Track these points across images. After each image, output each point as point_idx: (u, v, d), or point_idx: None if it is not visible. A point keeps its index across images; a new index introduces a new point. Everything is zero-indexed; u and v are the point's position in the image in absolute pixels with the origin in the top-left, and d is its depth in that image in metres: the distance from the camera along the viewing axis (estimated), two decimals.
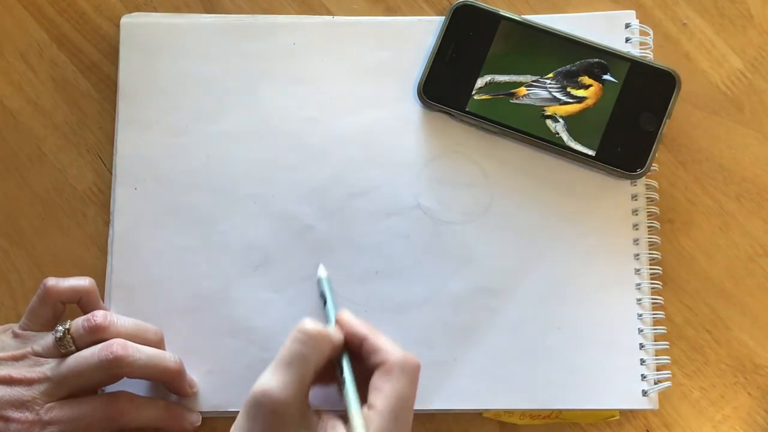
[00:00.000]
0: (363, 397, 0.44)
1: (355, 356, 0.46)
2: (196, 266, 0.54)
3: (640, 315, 0.53)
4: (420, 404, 0.48)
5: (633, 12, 0.56)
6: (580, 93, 0.54)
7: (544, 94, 0.54)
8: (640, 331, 0.53)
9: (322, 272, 0.52)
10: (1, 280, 0.55)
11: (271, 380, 0.43)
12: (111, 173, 0.55)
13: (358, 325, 0.46)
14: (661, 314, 0.53)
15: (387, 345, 0.45)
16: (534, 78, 0.54)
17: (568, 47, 0.54)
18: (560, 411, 0.52)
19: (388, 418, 0.42)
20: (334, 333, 0.46)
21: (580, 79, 0.54)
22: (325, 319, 0.49)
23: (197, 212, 0.54)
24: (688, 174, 0.55)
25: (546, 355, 0.52)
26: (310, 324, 0.45)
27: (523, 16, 0.55)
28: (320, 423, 0.44)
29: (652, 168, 0.53)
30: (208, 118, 0.55)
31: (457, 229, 0.54)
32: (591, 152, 0.53)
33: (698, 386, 0.53)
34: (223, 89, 0.55)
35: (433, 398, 0.52)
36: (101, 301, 0.53)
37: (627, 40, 0.55)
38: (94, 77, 0.57)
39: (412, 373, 0.44)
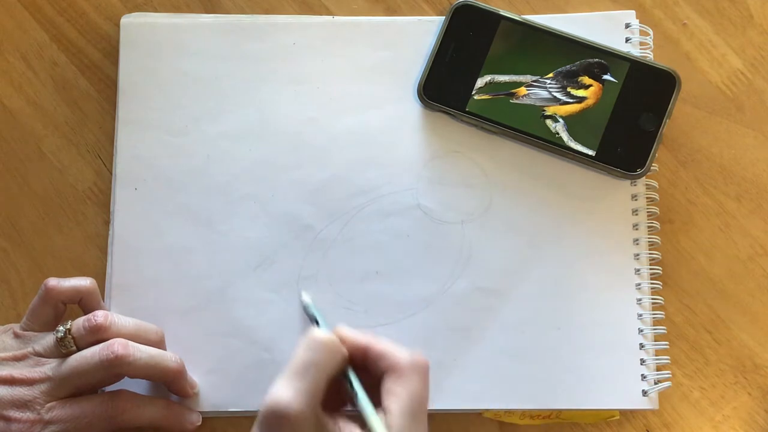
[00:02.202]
0: (376, 405, 0.44)
1: (360, 368, 0.46)
2: (196, 266, 0.54)
3: (640, 315, 0.53)
4: None
5: (633, 12, 0.56)
6: (580, 93, 0.54)
7: (544, 94, 0.54)
8: (640, 331, 0.53)
9: (306, 298, 0.52)
10: (1, 280, 0.55)
11: (285, 390, 0.42)
12: (111, 173, 0.55)
13: (359, 336, 0.46)
14: (661, 314, 0.53)
15: (392, 349, 0.45)
16: (534, 78, 0.54)
17: (568, 47, 0.54)
18: (560, 411, 0.52)
19: (406, 418, 0.42)
20: (340, 344, 0.45)
21: (580, 79, 0.54)
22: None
23: (197, 212, 0.54)
24: (688, 174, 0.55)
25: (546, 355, 0.52)
26: (320, 333, 0.44)
27: (523, 16, 0.55)
28: (336, 428, 0.43)
29: (652, 168, 0.53)
30: (208, 118, 0.55)
31: (457, 229, 0.54)
32: (591, 152, 0.53)
33: (698, 386, 0.53)
34: (223, 89, 0.55)
35: (433, 398, 0.52)
36: (102, 301, 0.53)
37: (627, 40, 0.55)
38: (94, 77, 0.57)
39: (423, 372, 0.44)
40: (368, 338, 0.46)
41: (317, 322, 0.50)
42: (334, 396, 0.45)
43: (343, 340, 0.46)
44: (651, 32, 0.55)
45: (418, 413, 0.43)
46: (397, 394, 0.43)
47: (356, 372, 0.46)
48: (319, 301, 0.53)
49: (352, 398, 0.45)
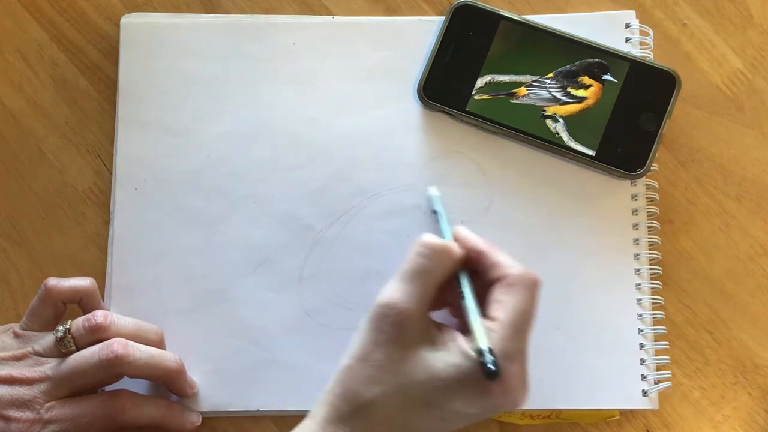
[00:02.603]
0: (481, 313, 0.44)
1: (472, 272, 0.46)
2: (196, 266, 0.54)
3: (640, 315, 0.53)
4: None
5: (633, 12, 0.56)
6: (580, 93, 0.54)
7: (544, 94, 0.54)
8: (640, 331, 0.53)
9: (433, 191, 0.52)
10: (1, 280, 0.55)
11: (396, 292, 0.44)
12: (111, 173, 0.55)
13: (477, 240, 0.47)
14: (661, 314, 0.53)
15: (507, 260, 0.45)
16: (534, 78, 0.54)
17: (568, 47, 0.54)
18: (560, 411, 0.52)
19: (510, 330, 0.43)
20: (454, 246, 0.46)
21: (580, 79, 0.54)
22: (439, 235, 0.49)
23: (197, 212, 0.54)
24: (688, 174, 0.55)
25: (546, 355, 0.52)
26: (432, 238, 0.45)
27: (523, 16, 0.55)
28: (440, 335, 0.44)
29: (652, 168, 0.53)
30: (208, 118, 0.55)
31: None
32: (591, 152, 0.53)
33: (698, 386, 0.53)
34: (223, 89, 0.55)
35: None
36: (102, 301, 0.53)
37: (627, 40, 0.55)
38: (94, 77, 0.57)
39: (533, 287, 0.45)
40: (486, 245, 0.46)
41: (438, 218, 0.50)
42: (443, 301, 0.47)
43: (460, 242, 0.47)
44: (651, 32, 0.55)
45: (522, 327, 0.44)
46: (503, 303, 0.44)
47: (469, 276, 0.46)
48: (319, 301, 0.53)
49: (459, 300, 0.45)
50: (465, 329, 0.45)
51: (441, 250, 0.45)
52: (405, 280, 0.44)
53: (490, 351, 0.42)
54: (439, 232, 0.49)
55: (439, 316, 0.47)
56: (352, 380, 0.44)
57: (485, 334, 0.43)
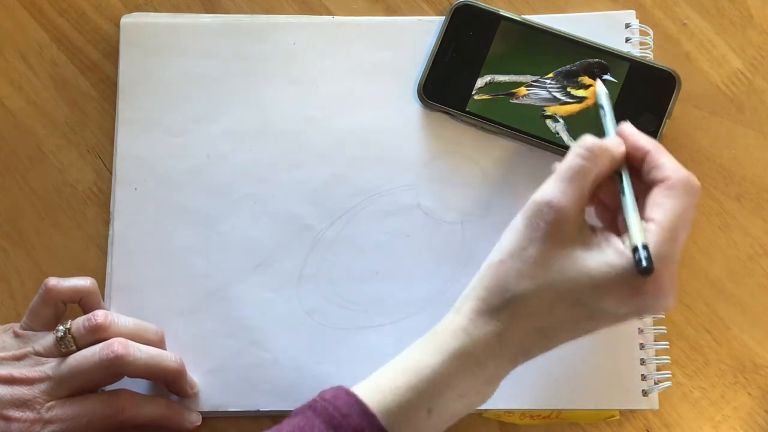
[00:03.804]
0: (640, 213, 0.44)
1: (634, 171, 0.46)
2: (196, 266, 0.54)
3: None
4: None
5: (633, 12, 0.56)
6: (580, 93, 0.54)
7: (544, 94, 0.54)
8: (640, 331, 0.53)
9: (601, 87, 0.52)
10: (1, 280, 0.55)
11: (554, 191, 0.44)
12: (111, 173, 0.55)
13: (642, 138, 0.46)
14: (661, 314, 0.53)
15: (671, 162, 0.45)
16: (534, 78, 0.54)
17: (568, 47, 0.54)
18: (560, 411, 0.52)
19: (666, 232, 0.43)
20: (615, 145, 0.46)
21: (580, 79, 0.54)
22: (602, 132, 0.49)
23: (197, 212, 0.54)
24: None
25: (546, 355, 0.52)
26: (591, 139, 0.45)
27: (523, 16, 0.55)
28: (594, 235, 0.44)
29: None
30: (208, 118, 0.55)
31: (457, 229, 0.54)
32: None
33: (698, 386, 0.53)
34: (223, 89, 0.55)
35: None
36: (102, 301, 0.53)
37: (627, 40, 0.55)
38: (94, 77, 0.57)
39: (694, 194, 0.44)
40: (652, 144, 0.46)
41: (604, 113, 0.50)
42: (596, 198, 0.47)
43: (625, 138, 0.47)
44: (651, 32, 0.55)
45: (680, 231, 0.43)
46: (664, 206, 0.43)
47: (630, 174, 0.46)
48: (319, 301, 0.53)
49: (617, 199, 0.45)
50: (617, 230, 0.45)
51: (600, 152, 0.45)
52: (563, 179, 0.44)
53: (645, 248, 0.42)
54: (602, 128, 0.49)
55: (590, 217, 0.47)
56: (503, 274, 0.44)
57: (641, 231, 0.42)
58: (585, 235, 0.44)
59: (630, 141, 0.46)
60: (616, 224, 0.46)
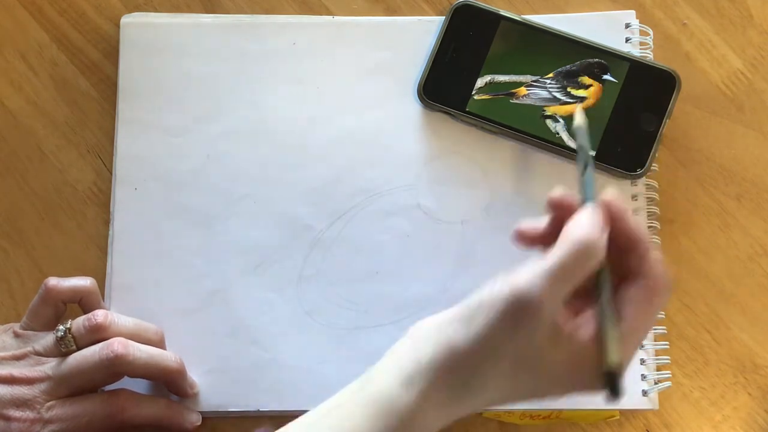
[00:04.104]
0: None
1: (614, 252, 0.42)
2: (196, 266, 0.54)
3: None
4: None
5: (633, 12, 0.56)
6: (580, 93, 0.54)
7: (544, 94, 0.54)
8: None
9: (579, 119, 0.47)
10: (1, 280, 0.55)
11: (538, 288, 0.39)
12: (111, 173, 0.55)
13: (636, 225, 0.42)
14: (661, 314, 0.53)
15: (656, 258, 0.42)
16: (534, 78, 0.54)
17: (568, 47, 0.54)
18: (560, 411, 0.52)
19: (637, 336, 0.41)
20: (602, 233, 0.41)
21: (580, 79, 0.54)
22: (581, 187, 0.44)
23: (197, 212, 0.54)
24: (688, 174, 0.55)
25: None
26: (585, 233, 0.40)
27: (523, 16, 0.55)
28: (563, 331, 0.41)
29: (652, 168, 0.53)
30: (208, 118, 0.55)
31: (457, 229, 0.54)
32: (591, 152, 0.53)
33: (698, 386, 0.53)
34: (223, 89, 0.55)
35: None
36: (102, 301, 0.53)
37: (627, 40, 0.55)
38: (94, 77, 0.57)
39: (667, 298, 0.42)
40: (644, 233, 0.42)
41: (584, 162, 0.45)
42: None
43: (615, 220, 0.42)
44: (651, 32, 0.55)
45: (645, 335, 0.42)
46: (639, 307, 0.41)
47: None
48: (319, 301, 0.53)
49: (595, 291, 0.42)
50: (581, 313, 0.42)
51: (594, 250, 0.40)
52: (549, 276, 0.39)
53: (619, 371, 0.39)
54: (580, 184, 0.44)
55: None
56: (461, 360, 0.40)
57: (617, 349, 0.39)
58: (556, 330, 0.41)
59: (620, 223, 0.42)
60: (581, 307, 0.42)
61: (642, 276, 0.41)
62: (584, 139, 0.46)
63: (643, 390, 0.52)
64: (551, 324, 0.40)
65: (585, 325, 0.41)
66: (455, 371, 0.40)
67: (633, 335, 0.41)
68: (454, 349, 0.40)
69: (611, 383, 0.39)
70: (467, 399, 0.41)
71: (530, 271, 0.40)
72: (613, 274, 0.42)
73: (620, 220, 0.42)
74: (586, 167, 0.44)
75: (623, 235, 0.42)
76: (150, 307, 0.53)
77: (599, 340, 0.40)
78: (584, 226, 0.40)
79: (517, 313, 0.39)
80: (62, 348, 0.49)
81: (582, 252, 0.40)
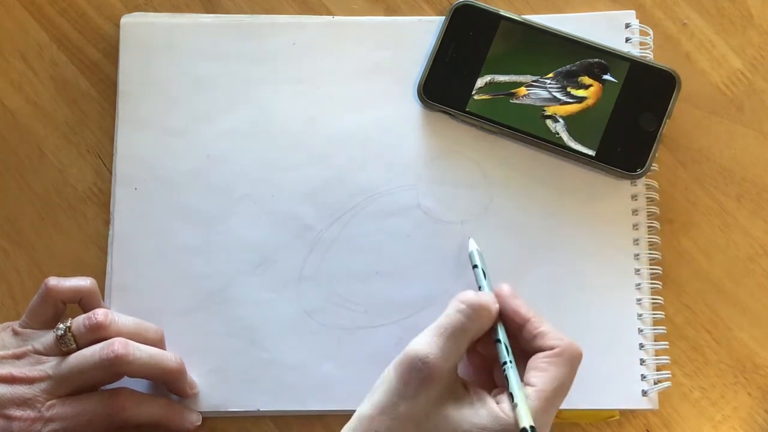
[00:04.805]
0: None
1: (510, 334, 0.46)
2: (196, 266, 0.54)
3: (640, 315, 0.53)
4: None
5: (633, 12, 0.56)
6: (580, 93, 0.54)
7: (544, 94, 0.54)
8: (640, 331, 0.53)
9: (473, 245, 0.51)
10: (1, 280, 0.55)
11: (431, 346, 0.43)
12: (111, 173, 0.55)
13: (522, 305, 0.46)
14: (661, 314, 0.53)
15: (553, 330, 0.45)
16: (534, 78, 0.54)
17: (568, 47, 0.54)
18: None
19: (546, 402, 0.43)
20: (493, 303, 0.46)
21: (580, 79, 0.54)
22: (477, 286, 0.49)
23: (197, 212, 0.54)
24: (688, 174, 0.55)
25: None
26: (472, 295, 0.45)
27: (523, 16, 0.55)
28: (467, 394, 0.44)
29: (652, 168, 0.53)
30: (207, 118, 0.55)
31: (457, 229, 0.54)
32: (591, 152, 0.53)
33: (698, 386, 0.53)
34: (223, 89, 0.55)
35: None
36: (102, 301, 0.53)
37: (627, 40, 0.55)
38: (94, 77, 0.57)
39: (576, 363, 0.45)
40: (531, 312, 0.46)
41: (480, 273, 0.50)
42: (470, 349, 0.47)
43: (504, 302, 0.47)
44: (651, 32, 0.55)
45: (558, 400, 0.44)
46: (547, 373, 0.44)
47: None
48: (319, 301, 0.53)
49: (497, 358, 0.45)
50: (489, 382, 0.46)
51: (482, 310, 0.45)
52: (441, 335, 0.44)
53: (533, 429, 0.41)
54: (477, 287, 0.49)
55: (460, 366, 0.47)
56: (373, 430, 0.43)
57: (527, 410, 0.42)
58: (457, 393, 0.44)
59: (509, 306, 0.46)
60: (488, 374, 0.47)
61: (548, 347, 0.45)
62: (478, 259, 0.51)
63: (643, 390, 0.52)
64: (450, 383, 0.43)
65: (487, 377, 0.46)
66: None
67: (547, 401, 0.43)
68: (359, 416, 0.44)
69: None
70: None
71: (422, 334, 0.44)
72: (522, 353, 0.46)
73: (509, 300, 0.47)
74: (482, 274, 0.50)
75: (516, 315, 0.46)
76: (150, 307, 0.53)
77: (511, 401, 0.43)
78: (467, 293, 0.46)
79: (411, 371, 0.43)
80: (62, 347, 0.49)
81: (465, 310, 0.44)
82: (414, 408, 0.43)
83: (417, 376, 0.43)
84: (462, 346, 0.44)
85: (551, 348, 0.45)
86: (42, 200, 0.56)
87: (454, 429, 0.42)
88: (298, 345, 0.53)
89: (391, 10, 0.57)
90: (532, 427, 0.41)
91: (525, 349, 0.46)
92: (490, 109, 0.54)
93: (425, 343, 0.43)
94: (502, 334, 0.46)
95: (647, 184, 0.54)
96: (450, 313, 0.45)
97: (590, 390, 0.52)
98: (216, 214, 0.54)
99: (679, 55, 0.56)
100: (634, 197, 0.54)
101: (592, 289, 0.53)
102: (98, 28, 0.57)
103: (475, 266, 0.50)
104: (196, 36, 0.56)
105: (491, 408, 0.43)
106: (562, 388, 0.44)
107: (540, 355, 0.45)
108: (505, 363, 0.45)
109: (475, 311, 0.45)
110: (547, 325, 0.46)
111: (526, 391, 0.43)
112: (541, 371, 0.44)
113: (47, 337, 0.49)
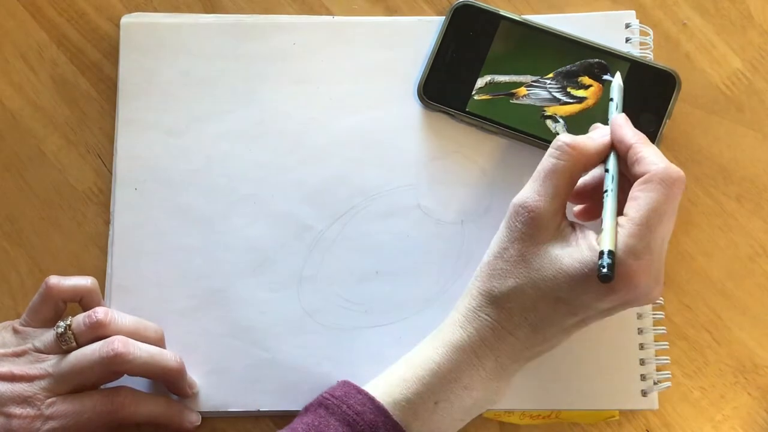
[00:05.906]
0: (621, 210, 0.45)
1: (622, 164, 0.47)
2: (196, 266, 0.54)
3: (640, 315, 0.53)
4: None
5: (633, 12, 0.56)
6: (580, 93, 0.54)
7: (544, 94, 0.54)
8: (640, 331, 0.53)
9: (618, 79, 0.51)
10: (1, 280, 0.55)
11: (527, 192, 0.46)
12: (111, 173, 0.55)
13: (627, 132, 0.47)
14: (661, 314, 0.53)
15: (652, 155, 0.45)
16: (534, 78, 0.54)
17: (568, 47, 0.54)
18: (560, 411, 0.52)
19: (637, 227, 0.43)
20: (592, 141, 0.47)
21: (580, 79, 0.54)
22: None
23: (197, 212, 0.54)
24: (688, 174, 0.55)
25: (546, 355, 0.52)
26: (563, 137, 0.46)
27: (523, 16, 0.55)
28: (573, 233, 0.46)
29: None
30: (207, 118, 0.55)
31: (457, 229, 0.54)
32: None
33: (698, 386, 0.53)
34: (223, 89, 0.55)
35: None
36: (102, 301, 0.53)
37: (627, 40, 0.55)
38: (94, 77, 0.57)
39: (672, 185, 0.44)
40: (636, 138, 0.46)
41: (615, 107, 0.50)
42: (587, 195, 0.49)
43: (612, 132, 0.47)
44: (651, 32, 0.55)
45: (654, 225, 0.44)
46: (637, 200, 0.44)
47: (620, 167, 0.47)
48: (319, 301, 0.53)
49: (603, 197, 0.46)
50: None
51: (572, 150, 0.46)
52: (537, 180, 0.46)
53: (610, 253, 0.42)
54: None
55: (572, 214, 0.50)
56: (488, 274, 0.47)
57: (611, 234, 0.43)
58: (564, 233, 0.46)
59: (615, 135, 0.47)
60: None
61: (641, 173, 0.45)
62: (616, 93, 0.50)
63: (643, 390, 0.52)
64: (558, 225, 0.46)
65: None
66: (489, 283, 0.46)
67: (639, 227, 0.43)
68: (480, 265, 0.47)
69: (600, 265, 0.42)
70: (506, 313, 0.46)
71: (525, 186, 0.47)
72: (627, 184, 0.46)
73: (618, 129, 0.47)
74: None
75: (621, 144, 0.47)
76: (150, 307, 0.53)
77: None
78: (559, 135, 0.47)
79: (516, 217, 0.46)
80: (62, 345, 0.49)
81: (553, 152, 0.46)
82: (522, 249, 0.45)
83: (520, 220, 0.45)
84: (560, 186, 0.46)
85: (643, 174, 0.45)
86: (42, 200, 0.56)
87: (559, 265, 0.44)
88: (298, 345, 0.53)
89: (391, 10, 0.57)
90: (610, 251, 0.42)
91: (631, 178, 0.46)
92: (490, 109, 0.54)
93: (524, 191, 0.46)
94: (611, 164, 0.47)
95: None
96: (544, 158, 0.46)
97: (590, 390, 0.52)
98: (216, 215, 0.54)
99: (679, 55, 0.56)
100: None
101: None
102: (98, 28, 0.57)
103: (611, 99, 0.50)
104: (196, 36, 0.56)
105: (591, 242, 0.44)
106: (655, 213, 0.44)
107: (635, 183, 0.45)
108: (605, 191, 0.46)
109: (561, 151, 0.46)
110: (648, 150, 0.46)
111: (619, 221, 0.44)
112: (633, 200, 0.44)
113: (47, 336, 0.49)
